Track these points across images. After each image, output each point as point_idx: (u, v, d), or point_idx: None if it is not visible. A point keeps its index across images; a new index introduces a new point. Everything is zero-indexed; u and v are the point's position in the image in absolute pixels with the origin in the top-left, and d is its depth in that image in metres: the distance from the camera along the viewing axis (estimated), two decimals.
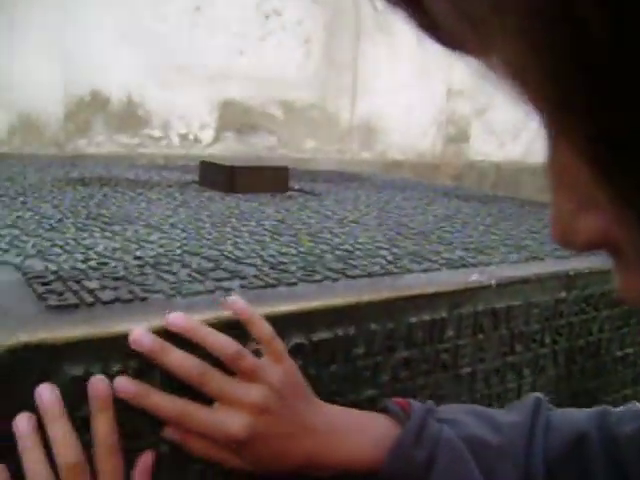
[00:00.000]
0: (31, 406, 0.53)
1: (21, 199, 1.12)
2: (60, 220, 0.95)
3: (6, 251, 0.76)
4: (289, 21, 3.28)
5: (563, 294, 0.90)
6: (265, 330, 0.60)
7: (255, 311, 0.60)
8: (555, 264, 0.92)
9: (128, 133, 3.41)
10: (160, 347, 0.55)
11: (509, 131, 3.53)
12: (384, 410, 0.66)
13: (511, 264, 0.89)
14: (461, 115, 3.63)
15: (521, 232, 1.12)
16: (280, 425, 0.59)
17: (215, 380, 0.57)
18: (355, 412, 0.65)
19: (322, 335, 0.65)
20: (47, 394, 0.52)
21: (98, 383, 0.54)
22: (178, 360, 0.56)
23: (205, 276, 0.70)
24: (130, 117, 3.38)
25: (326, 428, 0.62)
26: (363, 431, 0.63)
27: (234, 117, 3.58)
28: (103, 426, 0.53)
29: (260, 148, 3.62)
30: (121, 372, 0.55)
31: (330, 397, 0.66)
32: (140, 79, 3.35)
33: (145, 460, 0.57)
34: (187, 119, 3.49)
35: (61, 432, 0.52)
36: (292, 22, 3.26)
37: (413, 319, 0.73)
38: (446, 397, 0.80)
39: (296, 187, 1.48)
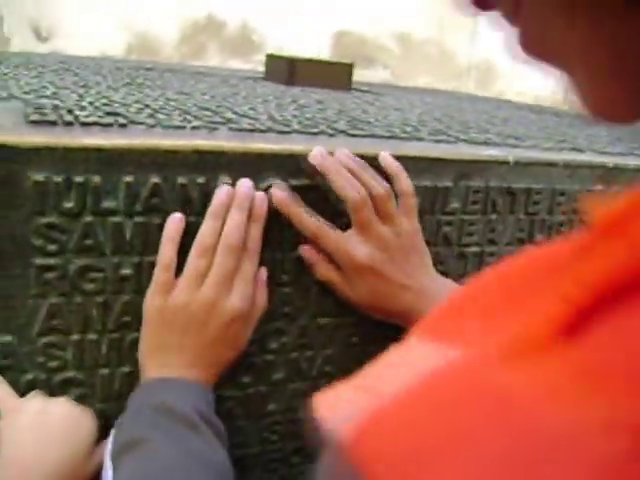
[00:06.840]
0: None
1: (75, 71, 1.14)
2: (98, 83, 0.97)
3: (26, 93, 0.78)
4: None
5: (598, 187, 0.84)
6: (409, 187, 0.67)
7: (403, 168, 0.67)
8: (593, 156, 0.86)
9: (242, 58, 3.43)
10: (335, 167, 0.63)
11: None
12: None
13: (541, 149, 0.84)
14: None
15: (578, 135, 1.05)
16: (394, 271, 0.66)
17: (369, 208, 0.64)
18: None
19: (305, 182, 0.64)
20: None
21: (259, 198, 0.61)
22: (343, 179, 0.63)
23: (196, 118, 0.70)
24: (244, 42, 3.40)
25: (432, 293, 0.67)
26: None
27: (348, 48, 3.54)
28: (255, 232, 0.62)
29: (373, 81, 3.57)
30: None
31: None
32: (256, 4, 3.35)
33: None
34: (301, 47, 3.48)
35: (240, 219, 0.60)
36: None
37: (413, 182, 0.71)
38: (449, 274, 0.77)
39: (363, 88, 1.45)
